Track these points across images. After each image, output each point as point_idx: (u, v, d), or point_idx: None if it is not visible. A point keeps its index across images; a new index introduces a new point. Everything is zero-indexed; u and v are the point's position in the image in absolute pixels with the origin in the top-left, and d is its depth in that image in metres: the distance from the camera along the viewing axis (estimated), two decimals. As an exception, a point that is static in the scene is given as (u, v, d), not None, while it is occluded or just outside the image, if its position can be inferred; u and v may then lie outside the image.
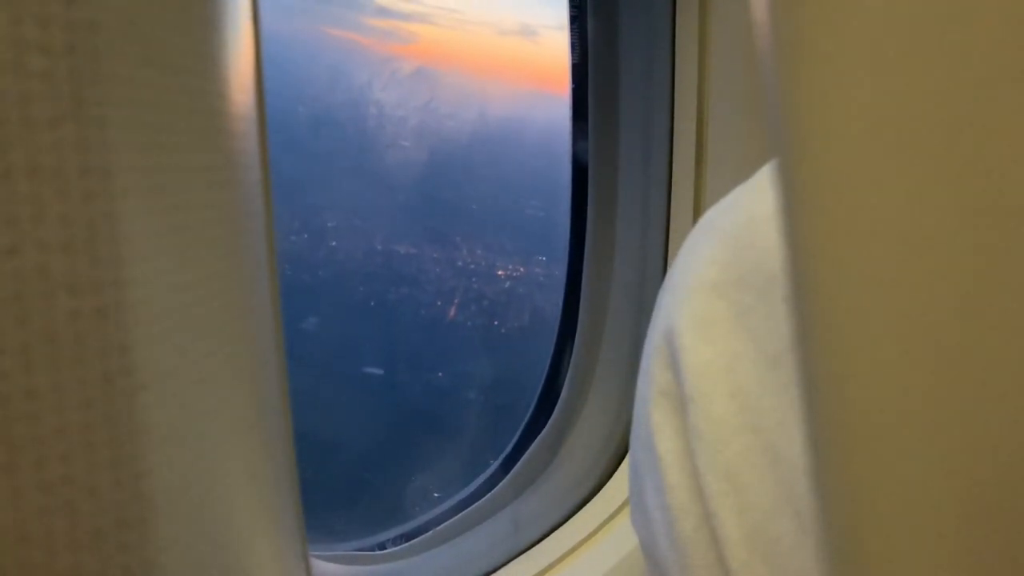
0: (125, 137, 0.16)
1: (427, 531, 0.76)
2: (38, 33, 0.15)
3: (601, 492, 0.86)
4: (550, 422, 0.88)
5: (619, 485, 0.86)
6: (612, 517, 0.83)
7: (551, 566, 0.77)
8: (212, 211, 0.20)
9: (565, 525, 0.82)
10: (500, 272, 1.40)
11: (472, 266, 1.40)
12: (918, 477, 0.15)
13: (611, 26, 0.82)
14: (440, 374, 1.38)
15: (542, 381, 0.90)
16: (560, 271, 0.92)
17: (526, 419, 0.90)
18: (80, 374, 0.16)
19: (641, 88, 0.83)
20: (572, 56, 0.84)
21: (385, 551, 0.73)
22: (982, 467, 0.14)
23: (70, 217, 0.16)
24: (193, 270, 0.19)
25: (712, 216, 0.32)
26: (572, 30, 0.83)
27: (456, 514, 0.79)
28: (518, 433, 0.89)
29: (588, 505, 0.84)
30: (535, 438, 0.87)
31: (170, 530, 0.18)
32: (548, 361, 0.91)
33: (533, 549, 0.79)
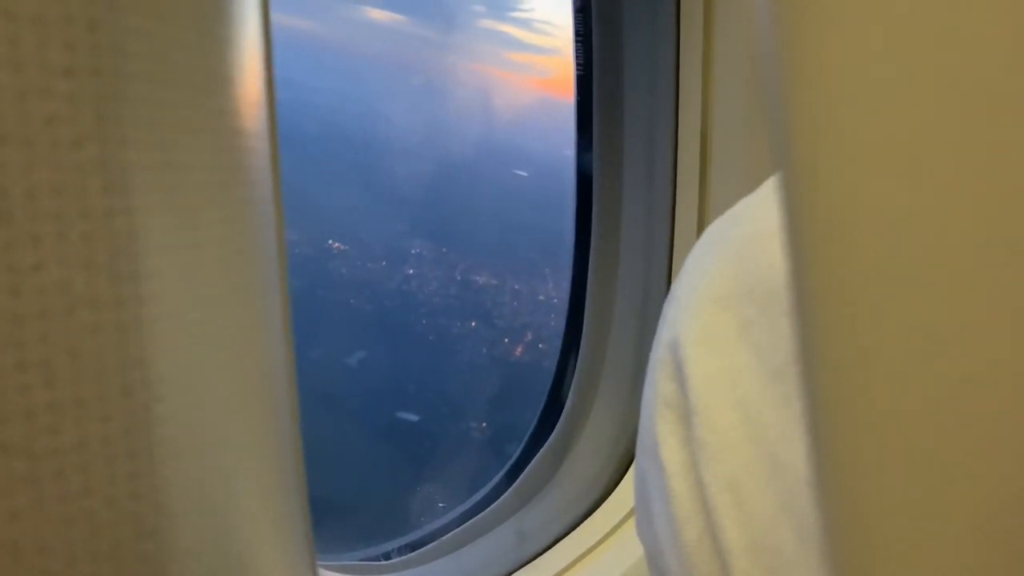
0: (145, 157, 0.17)
1: (432, 541, 0.76)
2: (64, 57, 0.15)
3: (606, 502, 0.85)
4: (555, 432, 0.88)
5: (624, 495, 0.85)
6: (617, 527, 0.83)
7: (556, 576, 0.77)
8: (226, 227, 0.20)
9: (570, 535, 0.82)
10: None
11: (555, 300, 1.32)
12: (920, 489, 0.15)
13: (616, 38, 0.82)
14: (484, 424, 1.28)
15: (547, 391, 0.90)
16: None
17: (531, 429, 0.89)
18: (100, 388, 0.16)
19: (645, 100, 0.83)
20: (577, 68, 0.84)
21: (391, 561, 0.74)
22: (987, 479, 0.15)
23: (92, 235, 0.16)
24: (208, 285, 0.19)
25: (716, 229, 0.32)
26: (577, 42, 0.84)
27: (461, 524, 0.79)
28: (523, 444, 0.89)
29: (593, 515, 0.84)
30: (540, 448, 0.87)
31: (185, 540, 0.19)
32: (553, 370, 0.91)
33: (538, 559, 0.79)
